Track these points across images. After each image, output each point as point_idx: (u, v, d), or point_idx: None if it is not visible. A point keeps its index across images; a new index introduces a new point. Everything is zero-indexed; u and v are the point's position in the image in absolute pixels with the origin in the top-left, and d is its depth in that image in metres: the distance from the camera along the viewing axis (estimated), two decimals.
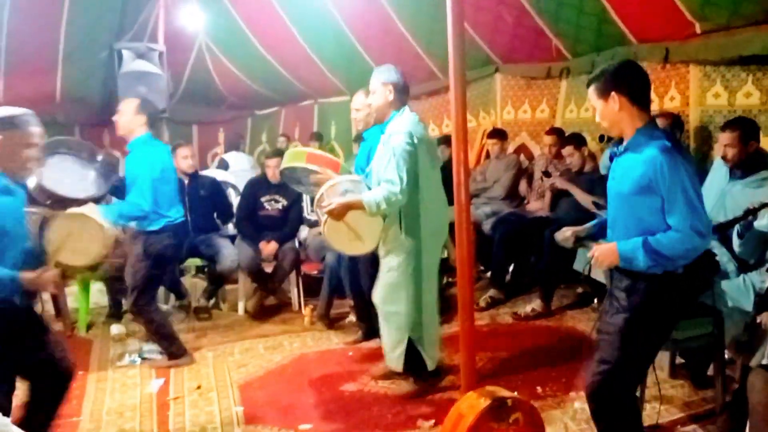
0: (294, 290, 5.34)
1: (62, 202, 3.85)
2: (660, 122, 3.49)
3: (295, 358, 4.24)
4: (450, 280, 5.70)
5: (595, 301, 4.89)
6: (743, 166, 3.48)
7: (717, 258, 3.16)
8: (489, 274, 5.47)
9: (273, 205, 5.39)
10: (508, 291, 5.29)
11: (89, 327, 4.92)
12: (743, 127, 3.50)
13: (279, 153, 5.24)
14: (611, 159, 2.53)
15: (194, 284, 5.56)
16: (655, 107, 4.74)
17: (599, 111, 2.41)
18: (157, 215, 3.98)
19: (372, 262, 3.78)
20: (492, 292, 5.17)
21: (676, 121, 4.38)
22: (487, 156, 6.32)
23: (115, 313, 4.87)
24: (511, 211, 5.63)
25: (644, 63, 3.98)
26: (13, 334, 2.50)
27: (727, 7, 4.06)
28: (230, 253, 5.06)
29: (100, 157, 4.51)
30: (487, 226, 5.49)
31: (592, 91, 2.41)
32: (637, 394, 2.99)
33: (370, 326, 4.31)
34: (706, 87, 4.53)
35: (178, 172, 5.24)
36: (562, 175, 5.17)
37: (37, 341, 2.62)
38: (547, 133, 5.70)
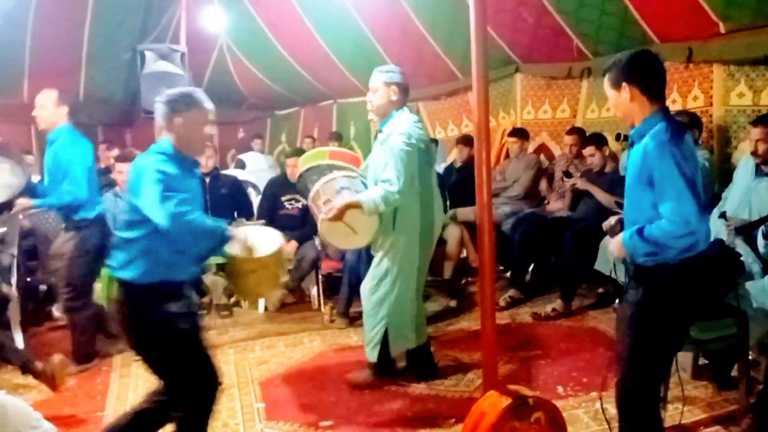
0: (314, 288, 5.37)
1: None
2: None
3: (315, 355, 4.26)
4: (469, 279, 5.71)
5: (617, 301, 4.85)
6: None
7: (742, 258, 3.15)
8: (509, 273, 5.45)
9: (293, 204, 5.43)
10: (528, 291, 5.27)
11: None
12: None
13: (299, 152, 5.27)
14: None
15: (215, 282, 5.60)
16: (678, 107, 4.72)
17: (612, 101, 2.41)
18: (91, 205, 4.02)
19: None
20: (512, 291, 5.16)
21: (694, 120, 4.34)
22: (507, 156, 6.31)
23: None
24: (531, 211, 5.61)
25: (667, 63, 3.95)
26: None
27: (750, 6, 4.02)
28: None
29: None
30: (506, 226, 5.47)
31: (606, 80, 2.41)
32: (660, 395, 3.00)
33: None
34: (730, 86, 4.49)
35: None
36: (583, 176, 5.14)
37: None
38: (567, 133, 5.68)
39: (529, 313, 4.87)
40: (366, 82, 7.83)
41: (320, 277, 5.36)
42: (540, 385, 3.58)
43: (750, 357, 3.08)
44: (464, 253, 5.73)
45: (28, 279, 4.97)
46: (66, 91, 4.43)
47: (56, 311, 5.25)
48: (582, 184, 5.05)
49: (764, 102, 4.27)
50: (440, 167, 6.47)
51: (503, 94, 6.66)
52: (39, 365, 3.18)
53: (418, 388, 3.65)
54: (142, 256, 2.49)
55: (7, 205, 4.10)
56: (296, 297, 5.45)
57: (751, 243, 3.39)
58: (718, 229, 3.54)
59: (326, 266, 5.41)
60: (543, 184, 5.93)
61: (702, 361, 3.54)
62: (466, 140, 6.22)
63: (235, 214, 5.51)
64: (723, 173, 4.41)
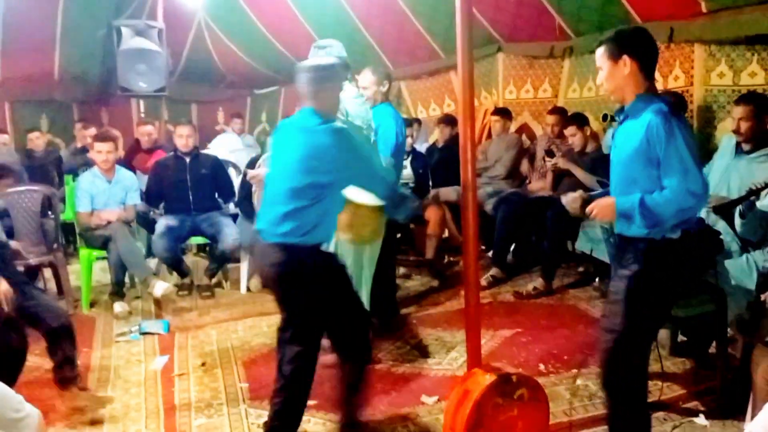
0: None
1: None
2: None
3: None
4: (451, 259, 5.74)
5: (597, 280, 4.92)
6: (754, 140, 3.49)
7: (720, 237, 3.19)
8: (490, 253, 5.49)
9: None
10: (510, 270, 5.31)
11: (92, 305, 4.94)
12: (757, 101, 3.51)
13: None
14: (614, 138, 2.53)
15: (197, 263, 5.57)
16: (659, 86, 4.73)
17: (606, 72, 2.39)
18: None
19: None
20: (494, 271, 5.19)
21: (679, 101, 4.37)
22: (489, 136, 6.31)
23: (118, 291, 4.87)
24: (512, 191, 5.63)
25: None
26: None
27: None
28: (232, 231, 5.05)
29: None
30: (488, 206, 5.49)
31: (602, 51, 2.38)
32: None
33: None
34: (711, 66, 4.51)
35: (178, 150, 5.26)
36: (565, 155, 5.16)
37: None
38: (549, 112, 5.70)
39: (511, 292, 4.91)
40: (348, 60, 7.71)
41: None
42: (522, 362, 3.62)
43: (728, 334, 3.13)
44: (446, 233, 5.75)
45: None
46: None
47: None
48: (563, 164, 5.07)
49: (744, 82, 4.29)
50: (422, 147, 6.46)
51: (485, 74, 6.63)
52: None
53: (402, 367, 3.67)
54: (320, 221, 2.59)
55: None
56: None
57: (730, 221, 3.44)
58: None
59: None
60: (525, 164, 5.95)
61: (680, 338, 3.60)
62: (448, 120, 6.21)
63: (216, 195, 5.46)
64: (703, 153, 4.45)
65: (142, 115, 7.78)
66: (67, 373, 3.19)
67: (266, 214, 2.70)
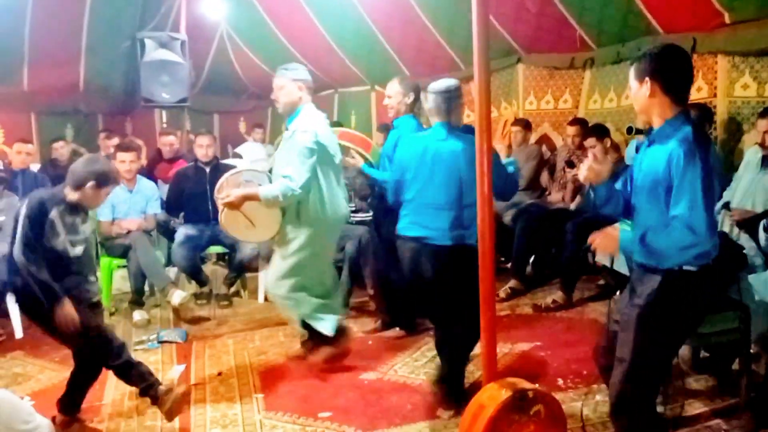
0: None
1: None
2: None
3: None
4: None
5: (618, 293, 4.83)
6: None
7: (744, 251, 3.13)
8: (509, 265, 5.44)
9: None
10: (529, 282, 5.25)
11: (112, 313, 4.99)
12: None
13: None
14: (637, 150, 2.47)
15: (215, 272, 5.61)
16: None
17: (633, 93, 2.33)
18: None
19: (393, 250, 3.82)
20: (512, 283, 5.14)
21: (704, 113, 4.31)
22: (509, 146, 6.26)
23: (138, 300, 4.92)
24: (531, 202, 5.58)
25: None
26: None
27: None
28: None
29: None
30: (507, 218, 5.45)
31: (631, 70, 2.32)
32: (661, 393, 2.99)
33: (390, 316, 4.36)
34: (735, 78, 4.45)
35: (198, 161, 5.31)
36: None
37: None
38: (569, 123, 5.65)
39: (530, 305, 4.86)
40: (367, 71, 7.81)
41: None
42: (540, 377, 3.57)
43: (751, 350, 3.06)
44: None
45: None
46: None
47: None
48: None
49: None
50: None
51: (505, 85, 6.62)
52: (162, 390, 3.11)
53: (417, 380, 3.64)
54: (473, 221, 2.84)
55: None
56: None
57: (754, 236, 3.37)
58: (720, 220, 3.51)
59: None
60: (544, 176, 5.90)
61: (703, 354, 3.52)
62: (466, 131, 6.18)
63: None
64: (727, 166, 4.38)
65: (164, 126, 7.87)
66: (153, 392, 3.13)
67: (431, 221, 3.13)
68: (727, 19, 4.25)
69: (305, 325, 3.79)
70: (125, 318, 4.89)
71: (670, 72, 2.24)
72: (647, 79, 2.23)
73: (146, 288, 5.04)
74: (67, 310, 2.93)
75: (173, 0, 7.46)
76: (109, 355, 3.08)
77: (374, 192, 4.45)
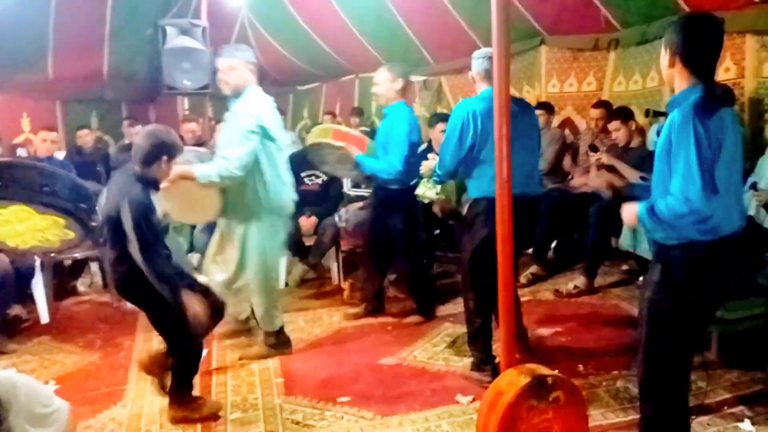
0: (334, 265, 5.36)
1: None
2: None
3: (335, 331, 4.27)
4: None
5: (641, 278, 4.77)
6: None
7: None
8: (531, 250, 5.39)
9: (313, 180, 5.42)
10: (551, 268, 5.20)
11: None
12: None
13: None
14: (659, 134, 2.42)
15: None
16: None
17: (662, 61, 2.28)
18: None
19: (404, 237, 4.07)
20: (534, 268, 5.10)
21: (726, 93, 4.19)
22: None
23: None
24: (554, 187, 5.52)
25: None
26: None
27: None
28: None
29: None
30: None
31: (664, 38, 2.28)
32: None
33: (417, 301, 4.45)
34: (764, 58, 4.33)
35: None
36: (609, 151, 5.02)
37: None
38: (593, 106, 5.56)
39: (551, 290, 4.82)
40: (388, 56, 7.75)
41: (340, 253, 5.35)
42: (561, 362, 3.53)
43: None
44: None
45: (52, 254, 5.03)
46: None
47: (80, 286, 5.34)
48: (607, 159, 4.93)
49: None
50: None
51: (527, 67, 6.52)
52: (197, 398, 3.15)
53: (437, 365, 3.64)
54: None
55: None
56: (316, 273, 5.45)
57: None
58: (747, 201, 3.43)
59: (346, 243, 5.39)
60: (567, 160, 5.82)
61: (728, 340, 3.46)
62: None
63: None
64: (755, 147, 4.27)
65: (186, 113, 7.91)
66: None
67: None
68: None
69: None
70: None
71: (691, 43, 2.18)
72: (668, 50, 2.21)
73: None
74: (195, 304, 2.84)
75: None
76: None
77: (373, 182, 4.39)
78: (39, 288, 4.59)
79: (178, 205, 3.52)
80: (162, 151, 2.92)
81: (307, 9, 7.65)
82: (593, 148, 5.18)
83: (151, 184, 2.95)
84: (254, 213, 3.61)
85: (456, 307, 4.55)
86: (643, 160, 4.60)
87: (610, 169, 4.93)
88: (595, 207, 4.71)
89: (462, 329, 4.11)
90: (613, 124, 4.96)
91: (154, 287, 2.77)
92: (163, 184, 3.17)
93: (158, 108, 9.13)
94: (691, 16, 2.23)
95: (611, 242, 4.92)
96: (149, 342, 4.16)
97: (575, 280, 4.78)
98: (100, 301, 5.08)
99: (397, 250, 4.32)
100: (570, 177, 5.73)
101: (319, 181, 5.38)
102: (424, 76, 7.96)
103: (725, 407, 2.97)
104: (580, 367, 3.50)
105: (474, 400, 3.14)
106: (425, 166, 3.71)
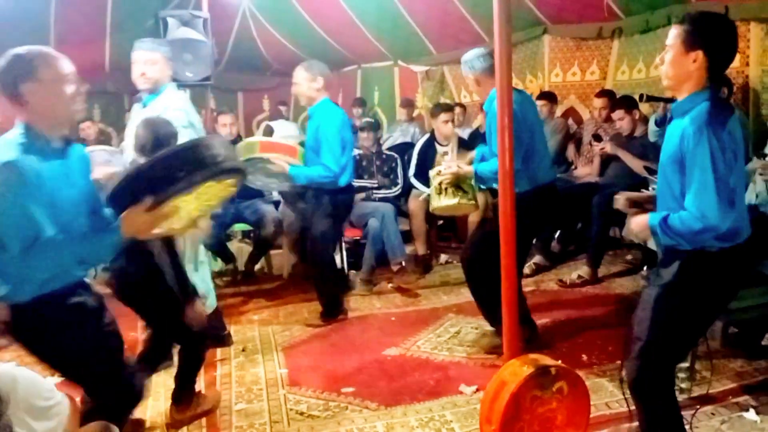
0: (337, 256, 5.35)
1: None
2: None
3: (339, 322, 4.27)
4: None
5: (645, 268, 4.77)
6: None
7: None
8: (534, 240, 5.37)
9: None
10: (554, 258, 5.20)
11: None
12: None
13: None
14: (657, 124, 2.39)
15: (240, 249, 5.65)
16: None
17: (673, 58, 2.13)
18: None
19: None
20: (537, 258, 5.09)
21: (723, 81, 4.15)
22: None
23: None
24: (557, 177, 5.49)
25: None
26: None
27: None
28: (274, 218, 5.09)
29: None
30: None
31: (677, 34, 2.10)
32: (683, 370, 2.94)
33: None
34: None
35: None
36: (613, 140, 5.01)
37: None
38: (597, 95, 5.53)
39: (555, 281, 4.81)
40: (390, 46, 7.68)
41: (344, 244, 5.35)
42: (564, 352, 3.54)
43: None
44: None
45: None
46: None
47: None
48: (611, 149, 4.92)
49: None
50: (465, 133, 6.37)
51: (530, 57, 6.49)
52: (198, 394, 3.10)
53: (440, 356, 3.65)
54: None
55: None
56: None
57: None
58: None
59: (350, 234, 5.39)
60: (571, 149, 5.80)
61: (732, 329, 3.45)
62: None
63: None
64: (759, 137, 4.25)
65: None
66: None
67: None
68: None
69: None
70: None
71: (724, 47, 2.10)
72: (699, 51, 2.06)
73: None
74: (197, 306, 2.85)
75: None
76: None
77: (306, 195, 4.28)
78: None
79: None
80: (163, 140, 2.87)
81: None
82: (597, 138, 5.17)
83: None
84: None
85: (459, 298, 4.56)
86: (647, 148, 4.59)
87: (614, 158, 4.93)
88: (599, 197, 4.69)
89: (465, 320, 4.14)
90: (617, 113, 4.94)
91: (159, 289, 2.74)
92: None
93: None
94: (720, 17, 2.14)
95: (613, 232, 4.91)
96: None
97: (579, 270, 4.77)
98: (103, 293, 5.07)
99: (312, 250, 4.16)
100: (573, 167, 5.72)
101: None
102: (427, 67, 7.93)
103: (730, 397, 2.97)
104: (584, 356, 3.51)
105: (477, 390, 3.15)
106: (451, 175, 3.60)
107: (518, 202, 2.65)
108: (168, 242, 2.78)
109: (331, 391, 3.27)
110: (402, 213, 5.29)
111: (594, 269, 4.76)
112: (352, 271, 5.02)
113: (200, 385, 3.40)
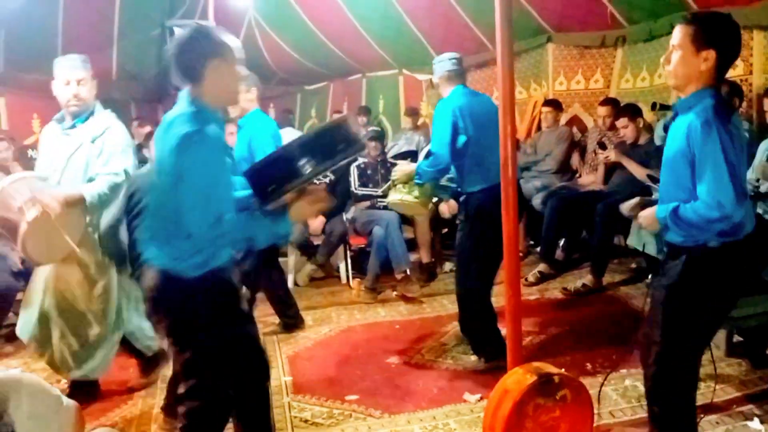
0: (342, 263, 5.38)
1: None
2: None
3: (343, 330, 4.29)
4: None
5: (649, 276, 4.76)
6: None
7: None
8: (539, 249, 5.39)
9: (320, 179, 5.42)
10: (559, 266, 5.20)
11: None
12: None
13: None
14: (665, 129, 2.41)
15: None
16: None
17: (681, 58, 2.16)
18: None
19: None
20: (542, 267, 5.09)
21: (734, 90, 4.17)
22: (538, 128, 6.19)
23: None
24: (562, 185, 5.51)
25: None
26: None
27: None
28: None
29: None
30: (537, 201, 5.39)
31: (686, 33, 2.13)
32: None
33: None
34: None
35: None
36: (617, 148, 5.01)
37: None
38: (601, 104, 5.53)
39: (559, 289, 4.81)
40: (394, 55, 7.70)
41: (348, 252, 5.37)
42: (569, 361, 3.53)
43: None
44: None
45: None
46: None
47: None
48: (615, 157, 4.92)
49: None
50: None
51: (534, 65, 6.51)
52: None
53: (444, 363, 3.65)
54: None
55: None
56: (325, 272, 5.47)
57: None
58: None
59: (354, 241, 5.41)
60: (575, 157, 5.81)
61: (736, 338, 3.45)
62: None
63: None
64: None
65: None
66: None
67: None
68: None
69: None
70: None
71: (732, 47, 2.15)
72: (711, 51, 2.09)
73: None
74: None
75: None
76: None
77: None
78: None
79: (56, 242, 3.00)
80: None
81: (313, 8, 7.65)
82: (601, 146, 5.18)
83: None
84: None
85: None
86: (651, 156, 4.59)
87: (618, 166, 4.93)
88: (603, 205, 4.70)
89: None
90: (621, 121, 4.95)
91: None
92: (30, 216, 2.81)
93: (167, 108, 9.06)
94: (728, 17, 2.17)
95: (617, 240, 4.90)
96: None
97: (583, 279, 4.77)
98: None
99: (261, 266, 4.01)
100: (578, 175, 5.72)
101: (327, 180, 5.39)
102: (431, 75, 7.94)
103: (734, 405, 2.96)
104: (588, 365, 3.50)
105: (481, 398, 3.15)
106: (400, 172, 3.68)
107: (470, 202, 2.79)
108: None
109: (335, 398, 3.28)
110: (406, 221, 5.30)
111: (598, 277, 4.75)
112: (357, 279, 5.03)
113: None
